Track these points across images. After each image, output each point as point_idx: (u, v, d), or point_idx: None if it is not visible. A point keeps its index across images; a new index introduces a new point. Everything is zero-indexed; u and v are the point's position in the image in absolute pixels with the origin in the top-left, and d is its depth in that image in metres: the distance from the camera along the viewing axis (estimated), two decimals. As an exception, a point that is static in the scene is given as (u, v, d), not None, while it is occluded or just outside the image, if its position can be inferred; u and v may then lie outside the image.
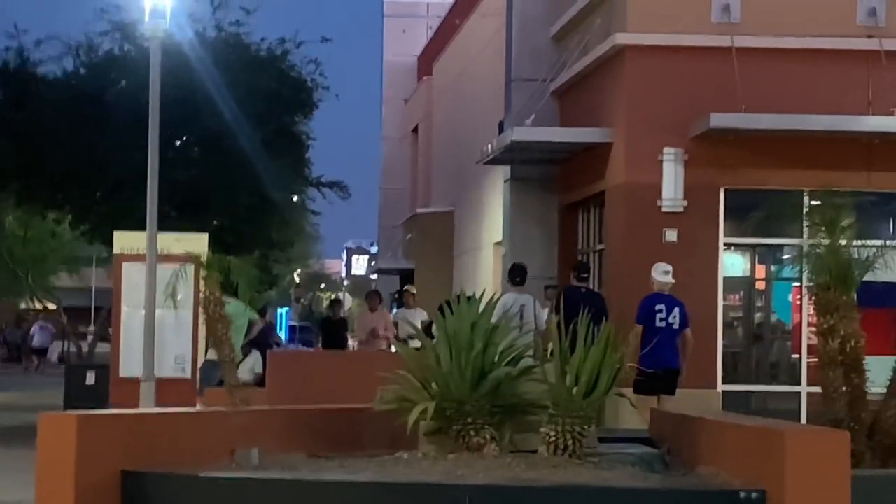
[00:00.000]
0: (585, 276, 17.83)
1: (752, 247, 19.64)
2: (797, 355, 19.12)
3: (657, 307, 15.63)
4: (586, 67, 20.79)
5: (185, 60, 25.45)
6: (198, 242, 18.62)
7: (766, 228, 19.11)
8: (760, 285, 20.06)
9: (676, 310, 15.72)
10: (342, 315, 28.26)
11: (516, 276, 17.93)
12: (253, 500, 7.74)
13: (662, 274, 16.31)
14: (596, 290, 18.82)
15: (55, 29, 28.27)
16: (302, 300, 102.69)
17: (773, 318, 20.18)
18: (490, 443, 8.75)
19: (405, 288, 26.75)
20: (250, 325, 18.31)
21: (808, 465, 7.15)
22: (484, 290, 9.39)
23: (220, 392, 14.24)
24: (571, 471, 8.21)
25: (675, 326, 15.47)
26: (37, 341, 53.85)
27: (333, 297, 24.29)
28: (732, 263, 19.77)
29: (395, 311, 25.61)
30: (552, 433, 8.61)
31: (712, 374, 18.66)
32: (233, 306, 16.51)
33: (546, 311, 18.09)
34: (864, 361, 10.05)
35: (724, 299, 19.37)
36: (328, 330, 25.65)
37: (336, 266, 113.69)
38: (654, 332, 15.10)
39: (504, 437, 8.94)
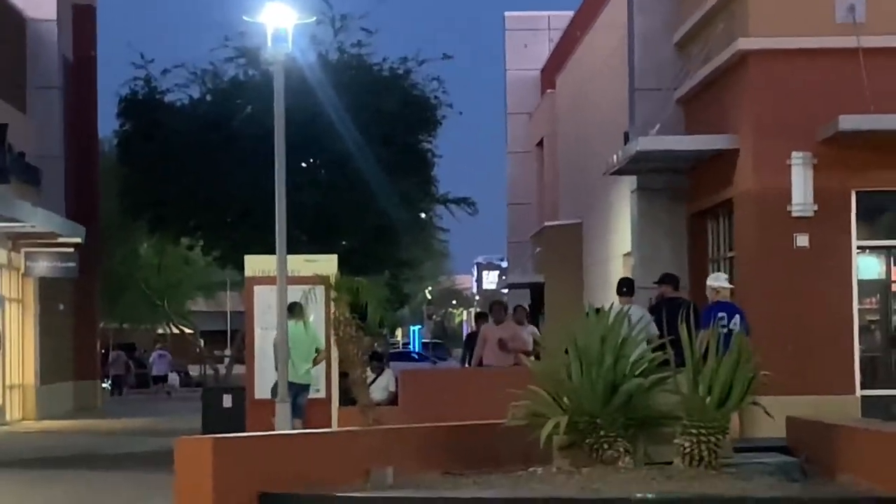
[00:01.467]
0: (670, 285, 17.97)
1: (887, 249, 19.33)
2: (937, 357, 18.79)
3: (718, 315, 15.81)
4: (710, 74, 20.63)
5: (309, 84, 25.69)
6: (327, 264, 18.76)
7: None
8: (896, 288, 19.74)
9: (737, 317, 15.83)
10: None
11: (623, 287, 18.05)
12: (389, 520, 7.76)
13: (723, 282, 16.71)
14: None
15: (181, 57, 28.82)
16: (434, 317, 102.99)
17: (911, 320, 19.85)
18: (624, 456, 8.70)
19: (495, 301, 25.67)
20: (318, 351, 18.32)
21: (950, 470, 7.00)
22: (612, 304, 9.33)
23: (351, 411, 14.34)
24: (708, 482, 8.13)
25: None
26: (156, 369, 55.14)
27: (479, 310, 23.48)
28: (867, 266, 19.48)
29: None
30: (687, 444, 8.53)
31: (850, 379, 18.38)
32: (293, 330, 16.68)
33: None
34: None
35: (860, 303, 19.07)
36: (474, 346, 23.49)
37: (467, 282, 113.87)
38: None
39: (638, 449, 8.88)
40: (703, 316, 15.52)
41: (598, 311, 9.08)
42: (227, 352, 58.66)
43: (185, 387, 59.51)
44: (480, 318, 24.16)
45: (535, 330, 22.40)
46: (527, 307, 25.62)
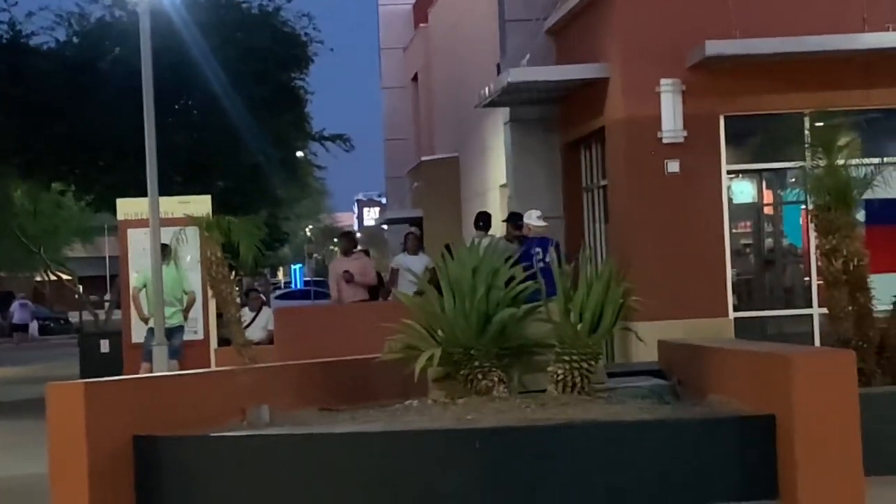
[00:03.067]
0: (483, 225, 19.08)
1: (759, 172, 19.57)
2: (808, 278, 19.11)
3: (534, 250, 16.77)
4: (578, 3, 20.69)
5: (177, 24, 25.35)
6: (202, 205, 18.64)
7: (769, 153, 19.04)
8: (769, 210, 19.99)
9: (550, 249, 16.54)
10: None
11: (479, 221, 19.22)
12: (265, 457, 7.76)
13: (536, 219, 17.88)
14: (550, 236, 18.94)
15: (45, 0, 28.34)
16: (315, 255, 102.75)
17: (784, 242, 20.13)
18: (499, 385, 8.78)
19: (409, 231, 24.35)
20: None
21: (815, 386, 7.15)
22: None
23: (229, 351, 14.31)
24: (581, 407, 8.23)
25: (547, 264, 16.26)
26: (17, 318, 54.57)
27: (360, 248, 22.73)
28: (740, 191, 19.70)
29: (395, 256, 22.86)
30: (560, 371, 8.63)
31: (723, 302, 18.63)
32: (165, 272, 16.66)
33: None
34: (868, 280, 10.05)
35: (734, 227, 19.31)
36: None
37: (348, 220, 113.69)
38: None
39: (512, 378, 8.96)
40: (523, 252, 16.29)
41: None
42: (107, 297, 58.18)
43: (61, 334, 58.95)
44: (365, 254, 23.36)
45: (367, 259, 21.29)
46: (418, 234, 24.18)
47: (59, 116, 27.20)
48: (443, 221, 31.93)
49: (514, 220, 19.19)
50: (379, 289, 20.96)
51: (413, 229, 23.68)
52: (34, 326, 58.00)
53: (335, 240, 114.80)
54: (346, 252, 20.43)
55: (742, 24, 18.24)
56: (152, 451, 8.04)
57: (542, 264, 16.03)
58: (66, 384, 8.12)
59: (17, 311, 55.25)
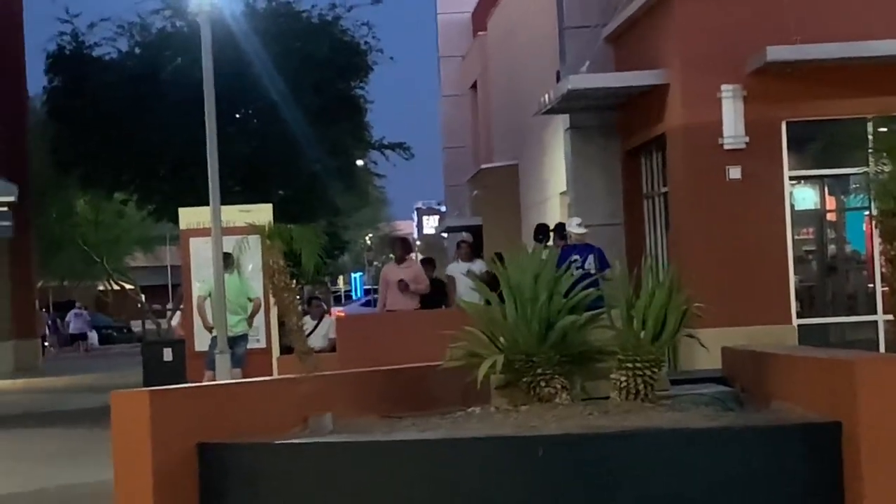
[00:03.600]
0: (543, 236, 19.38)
1: (821, 178, 19.45)
2: (872, 284, 18.96)
3: (572, 258, 16.77)
4: (638, 10, 20.65)
5: (237, 34, 25.51)
6: (263, 214, 18.72)
7: (832, 159, 18.93)
8: (832, 217, 19.87)
9: (590, 256, 17.00)
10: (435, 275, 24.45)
11: (539, 234, 19.30)
12: (329, 464, 7.78)
13: (576, 227, 18.08)
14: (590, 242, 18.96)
15: (107, 11, 28.55)
16: (375, 263, 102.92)
17: (847, 248, 20.00)
18: (561, 392, 8.75)
19: (461, 240, 23.00)
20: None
21: (881, 393, 7.08)
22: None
23: (291, 359, 14.36)
24: (644, 415, 8.18)
25: (592, 271, 16.14)
26: (73, 327, 54.94)
27: (423, 257, 22.44)
28: (803, 197, 19.60)
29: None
30: (623, 378, 8.59)
31: (786, 309, 18.53)
32: (228, 280, 16.71)
33: None
34: (934, 286, 9.96)
35: (796, 233, 19.20)
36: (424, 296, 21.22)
37: (408, 228, 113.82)
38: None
39: (575, 385, 8.93)
40: (559, 258, 16.27)
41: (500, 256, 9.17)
42: (169, 306, 58.54)
43: (123, 343, 59.33)
44: (425, 264, 22.59)
45: (420, 267, 20.76)
46: (469, 241, 23.50)
47: (121, 127, 27.40)
48: (502, 229, 31.90)
49: (559, 230, 19.37)
50: (434, 297, 20.47)
51: (465, 236, 23.01)
52: (94, 335, 58.42)
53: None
54: (400, 260, 19.81)
55: (802, 29, 18.13)
56: (217, 459, 8.07)
57: (580, 271, 16.06)
58: (131, 392, 8.17)
59: (73, 321, 55.68)
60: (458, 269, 19.79)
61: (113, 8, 36.38)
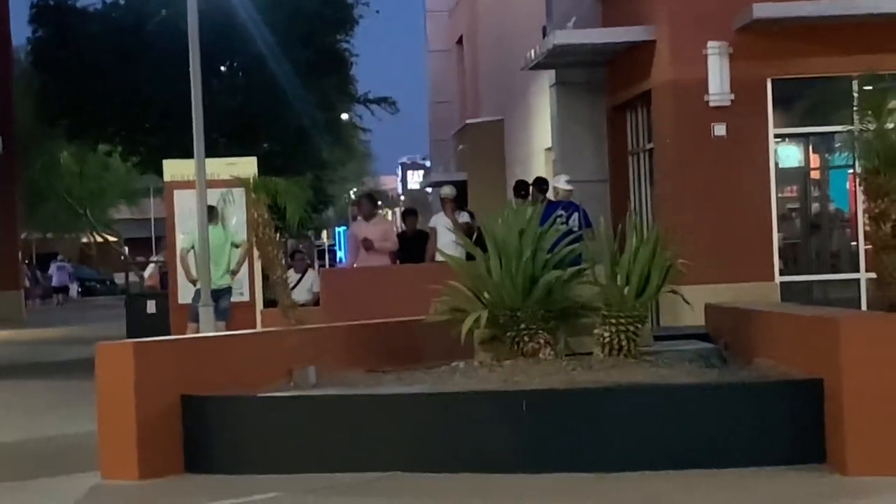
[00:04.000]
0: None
1: (806, 136, 19.44)
2: (855, 243, 19.00)
3: (557, 213, 16.65)
4: (626, -34, 20.60)
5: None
6: (247, 167, 18.65)
7: (817, 117, 18.90)
8: (815, 175, 19.87)
9: (575, 214, 16.86)
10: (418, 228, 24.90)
11: (521, 190, 19.25)
12: (312, 418, 7.80)
13: (564, 183, 18.03)
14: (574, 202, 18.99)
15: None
16: (359, 217, 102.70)
17: (831, 206, 20.01)
18: (545, 347, 8.78)
19: (441, 191, 22.30)
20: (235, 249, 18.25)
21: (862, 350, 7.12)
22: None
23: (275, 313, 14.36)
24: (627, 370, 8.23)
25: (576, 229, 16.12)
26: (56, 280, 54.87)
27: (405, 208, 21.94)
28: (787, 155, 19.59)
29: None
30: (606, 334, 8.62)
31: (769, 266, 18.55)
32: (212, 233, 16.67)
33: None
34: (918, 244, 9.97)
35: (780, 191, 19.21)
36: (406, 247, 20.22)
37: (392, 183, 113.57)
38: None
39: (558, 341, 8.97)
40: (543, 214, 16.23)
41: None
42: (153, 258, 58.50)
43: (106, 295, 59.30)
44: (408, 215, 21.82)
45: (389, 224, 20.01)
46: (375, 197, 21.96)
47: (105, 78, 27.30)
48: (487, 184, 31.89)
49: (538, 184, 19.27)
50: (420, 249, 19.99)
51: (446, 188, 21.77)
52: (75, 288, 58.45)
53: (380, 203, 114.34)
54: (368, 216, 18.77)
55: (790, -13, 18.10)
56: (200, 411, 8.11)
57: (565, 226, 16.11)
58: (116, 343, 8.18)
59: (55, 274, 55.63)
60: (440, 221, 19.52)
61: (98, -42, 36.28)
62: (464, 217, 19.87)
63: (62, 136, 33.25)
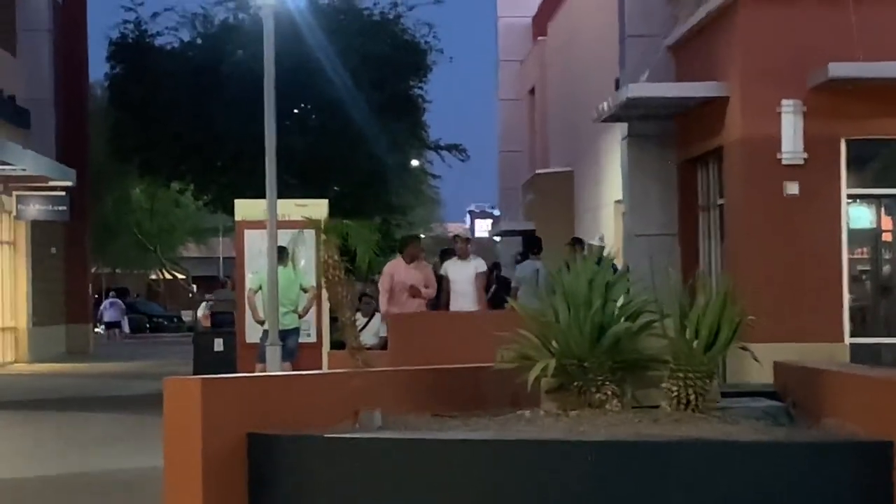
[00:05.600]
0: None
1: (878, 198, 19.34)
2: (926, 306, 18.85)
3: None
4: (701, 20, 20.59)
5: (299, 28, 25.62)
6: (318, 208, 18.80)
7: (890, 178, 18.82)
8: (887, 237, 19.76)
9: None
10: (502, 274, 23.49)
11: (534, 247, 19.46)
12: (377, 460, 7.80)
13: (598, 241, 19.37)
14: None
15: (171, 1, 28.68)
16: (399, 257, 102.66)
17: (902, 269, 19.89)
18: (612, 399, 8.74)
19: (456, 235, 20.09)
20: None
21: (933, 414, 7.04)
22: (602, 246, 9.37)
23: (341, 354, 14.40)
24: (694, 425, 8.17)
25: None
26: (108, 316, 55.46)
27: (441, 249, 21.72)
28: (858, 216, 19.49)
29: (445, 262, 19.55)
30: (674, 388, 8.57)
31: (838, 327, 18.44)
32: (281, 274, 16.73)
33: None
34: None
35: (851, 252, 19.09)
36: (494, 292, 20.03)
37: (460, 230, 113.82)
38: None
39: (626, 393, 8.92)
40: None
41: (589, 245, 9.17)
42: (207, 296, 58.87)
43: (174, 332, 59.71)
44: (498, 266, 21.51)
45: (429, 269, 19.11)
46: (467, 238, 21.41)
47: (180, 116, 27.57)
48: (555, 235, 31.89)
49: (575, 243, 19.42)
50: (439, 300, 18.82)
51: (463, 231, 20.71)
52: (126, 323, 59.17)
53: (446, 249, 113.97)
54: (412, 259, 17.77)
55: (866, 46, 18.04)
56: (266, 449, 8.11)
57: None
58: (184, 379, 8.21)
59: (107, 310, 56.24)
60: (454, 268, 18.24)
61: (176, -2, 36.68)
62: (478, 263, 18.81)
63: (134, 172, 33.57)
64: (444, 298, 18.40)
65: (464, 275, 17.73)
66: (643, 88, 21.11)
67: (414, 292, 17.39)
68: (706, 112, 20.21)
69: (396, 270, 17.90)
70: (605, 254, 17.82)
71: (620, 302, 8.88)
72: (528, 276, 20.24)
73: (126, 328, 58.49)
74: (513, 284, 21.48)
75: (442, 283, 18.52)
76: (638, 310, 9.00)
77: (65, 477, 12.34)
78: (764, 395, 10.15)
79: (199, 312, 29.13)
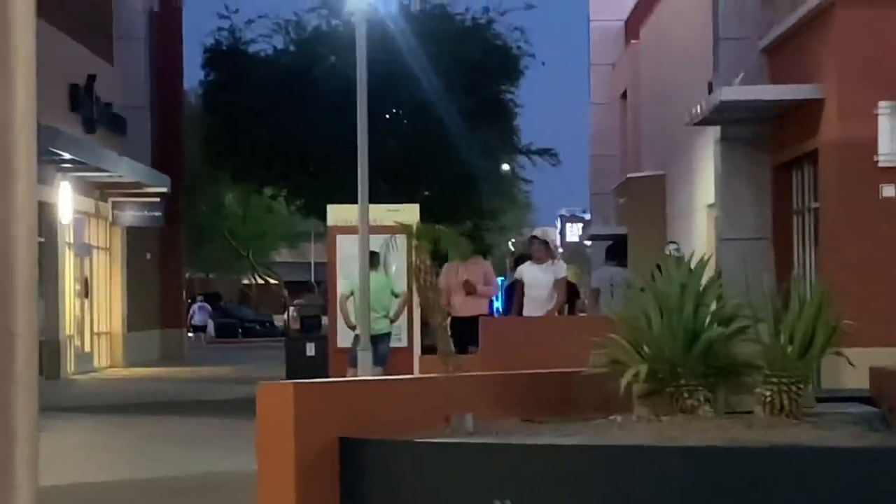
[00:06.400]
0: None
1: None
2: None
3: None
4: (796, 23, 20.40)
5: (392, 34, 25.73)
6: (409, 213, 18.85)
7: None
8: None
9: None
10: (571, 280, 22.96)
11: (611, 253, 19.66)
12: (469, 465, 7.81)
13: (673, 250, 18.88)
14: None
15: (264, 8, 29.03)
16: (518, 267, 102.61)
17: None
18: (704, 405, 8.69)
19: (533, 236, 18.38)
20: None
21: None
22: (692, 252, 9.31)
23: (432, 359, 14.42)
24: (789, 431, 8.09)
25: None
26: (196, 319, 56.23)
27: (517, 254, 21.04)
28: (957, 217, 19.23)
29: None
30: (768, 393, 8.49)
31: (940, 331, 18.18)
32: (373, 279, 16.75)
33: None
34: None
35: (950, 255, 18.83)
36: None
37: (551, 234, 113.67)
38: None
39: (718, 398, 8.86)
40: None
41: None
42: (295, 301, 59.28)
43: (266, 337, 60.25)
44: (521, 260, 20.50)
45: (488, 265, 18.96)
46: (544, 240, 20.18)
47: (273, 122, 27.79)
48: (647, 239, 31.74)
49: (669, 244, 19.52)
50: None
51: (540, 232, 19.08)
52: (211, 326, 59.98)
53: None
54: (467, 256, 17.05)
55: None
56: (358, 454, 8.15)
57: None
58: (277, 384, 8.27)
59: (196, 313, 57.00)
60: (529, 272, 17.18)
61: (270, 5, 36.91)
62: (558, 270, 17.61)
63: (228, 177, 33.88)
64: (516, 304, 17.42)
65: (540, 279, 16.75)
66: (737, 91, 20.94)
67: (469, 288, 17.13)
68: (801, 115, 20.01)
69: (452, 270, 17.54)
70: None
71: (713, 307, 8.84)
72: (604, 282, 20.22)
73: (212, 332, 59.23)
74: (591, 287, 21.74)
75: (515, 287, 17.89)
76: (731, 315, 8.95)
77: (161, 480, 12.47)
78: (859, 401, 10.04)
79: (288, 317, 29.46)
